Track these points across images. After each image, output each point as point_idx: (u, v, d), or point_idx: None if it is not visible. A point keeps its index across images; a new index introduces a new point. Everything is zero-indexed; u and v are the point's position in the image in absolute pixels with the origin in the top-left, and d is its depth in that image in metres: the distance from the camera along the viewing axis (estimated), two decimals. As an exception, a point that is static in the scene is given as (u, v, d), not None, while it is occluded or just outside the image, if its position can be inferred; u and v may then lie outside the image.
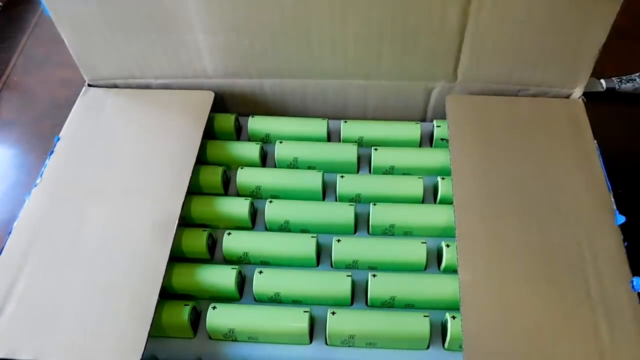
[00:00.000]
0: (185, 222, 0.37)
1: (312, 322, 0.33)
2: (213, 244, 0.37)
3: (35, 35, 0.59)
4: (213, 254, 0.36)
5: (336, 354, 0.32)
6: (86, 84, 0.42)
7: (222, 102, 0.43)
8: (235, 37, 0.39)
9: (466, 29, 0.40)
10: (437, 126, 0.41)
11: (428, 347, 0.33)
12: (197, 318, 0.34)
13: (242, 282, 0.35)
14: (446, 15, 0.37)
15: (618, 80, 0.53)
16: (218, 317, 0.32)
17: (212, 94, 0.40)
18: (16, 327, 0.30)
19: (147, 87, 0.42)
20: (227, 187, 0.39)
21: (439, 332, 0.33)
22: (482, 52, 0.40)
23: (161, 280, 0.31)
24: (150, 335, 0.32)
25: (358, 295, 0.35)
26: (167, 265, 0.32)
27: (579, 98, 0.42)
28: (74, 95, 0.41)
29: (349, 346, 0.33)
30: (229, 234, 0.35)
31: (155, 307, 0.30)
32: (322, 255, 0.36)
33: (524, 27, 0.40)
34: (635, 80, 0.52)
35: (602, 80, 0.53)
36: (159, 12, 0.37)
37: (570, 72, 0.41)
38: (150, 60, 0.40)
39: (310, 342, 0.33)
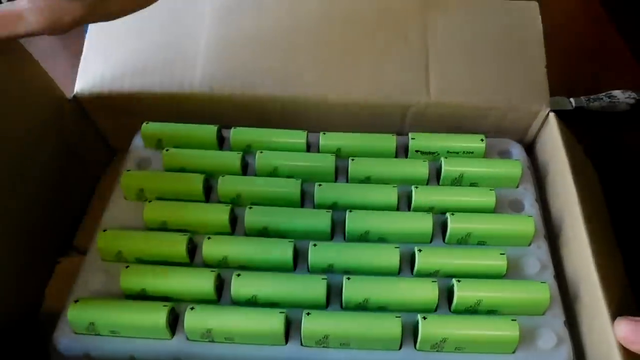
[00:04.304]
0: (166, 227, 0.38)
1: (288, 323, 0.34)
2: (193, 248, 0.38)
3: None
4: (193, 259, 0.37)
5: (311, 354, 0.33)
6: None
7: (204, 114, 0.45)
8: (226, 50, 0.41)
9: (428, 51, 0.43)
10: (412, 138, 0.43)
11: (400, 348, 0.34)
12: (175, 319, 0.34)
13: (221, 285, 0.36)
14: (410, 38, 0.40)
15: (586, 99, 0.55)
16: (196, 317, 0.33)
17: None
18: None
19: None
20: (209, 195, 0.41)
21: (411, 333, 0.34)
22: (447, 73, 0.44)
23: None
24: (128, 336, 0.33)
25: (333, 300, 0.36)
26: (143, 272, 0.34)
27: (546, 114, 0.44)
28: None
29: (323, 347, 0.34)
30: (208, 238, 0.36)
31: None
32: (299, 260, 0.37)
33: (472, 50, 0.43)
34: (602, 99, 0.55)
35: (572, 99, 0.55)
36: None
37: (530, 89, 0.44)
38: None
39: (286, 343, 0.34)
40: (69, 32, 0.32)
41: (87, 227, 0.44)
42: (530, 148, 0.47)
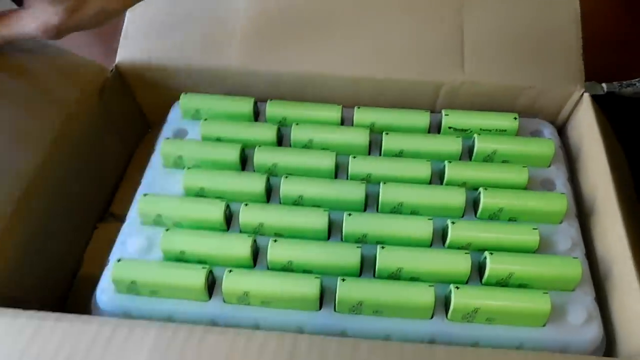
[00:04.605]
0: (204, 194, 0.39)
1: (322, 290, 0.35)
2: (229, 216, 0.38)
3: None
4: (229, 226, 0.38)
5: (344, 320, 0.34)
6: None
7: (240, 89, 0.45)
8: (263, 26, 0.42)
9: (464, 30, 0.43)
10: (446, 115, 0.43)
11: (432, 317, 0.34)
12: (212, 284, 0.35)
13: (257, 253, 0.37)
14: (446, 17, 0.40)
15: (618, 85, 0.55)
16: (234, 279, 0.34)
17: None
18: None
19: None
20: (245, 165, 0.41)
21: (442, 304, 0.35)
22: (482, 53, 0.43)
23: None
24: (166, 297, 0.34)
25: (366, 270, 0.36)
26: (182, 235, 0.35)
27: (581, 95, 0.44)
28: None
29: (356, 314, 0.34)
30: (245, 205, 0.37)
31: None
32: (332, 232, 0.38)
33: (508, 30, 0.43)
34: (635, 85, 0.55)
35: (604, 84, 0.55)
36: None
37: (565, 69, 0.43)
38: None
39: (320, 308, 0.34)
40: (61, 37, 0.36)
41: (124, 194, 0.45)
42: (561, 130, 0.47)
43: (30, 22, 0.35)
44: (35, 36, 0.35)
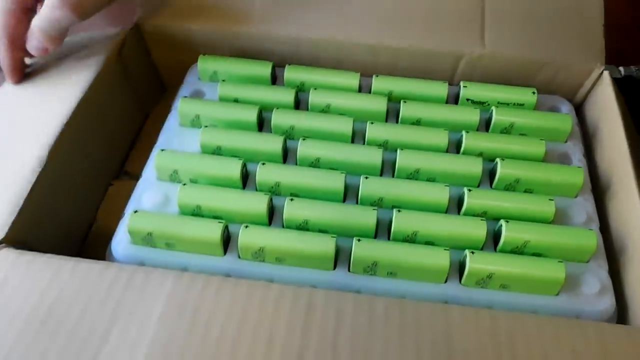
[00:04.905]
0: (220, 153, 0.39)
1: (338, 249, 0.35)
2: (246, 175, 0.38)
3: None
4: (245, 185, 0.38)
5: (358, 281, 0.34)
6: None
7: (258, 54, 0.45)
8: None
9: (485, 1, 0.43)
10: (464, 86, 0.43)
11: (446, 281, 0.34)
12: (227, 240, 0.35)
13: (272, 212, 0.37)
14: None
15: (636, 68, 0.55)
16: (250, 235, 0.34)
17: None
18: None
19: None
20: (262, 126, 0.41)
21: (456, 270, 0.35)
22: (503, 26, 0.43)
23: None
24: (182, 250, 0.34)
25: (381, 234, 0.36)
26: (200, 189, 0.35)
27: (600, 73, 0.44)
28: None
29: (370, 275, 0.34)
30: (263, 164, 0.37)
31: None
32: (348, 195, 0.38)
33: (529, 4, 0.43)
34: (652, 69, 0.54)
35: (621, 68, 0.55)
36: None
37: (586, 47, 0.43)
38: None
39: (334, 268, 0.35)
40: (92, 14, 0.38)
41: (138, 154, 0.45)
42: (579, 109, 0.47)
43: (68, 13, 0.37)
44: (76, 22, 0.38)
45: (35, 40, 0.37)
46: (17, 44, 0.38)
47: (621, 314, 0.35)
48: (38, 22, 0.37)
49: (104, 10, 0.39)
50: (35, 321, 0.27)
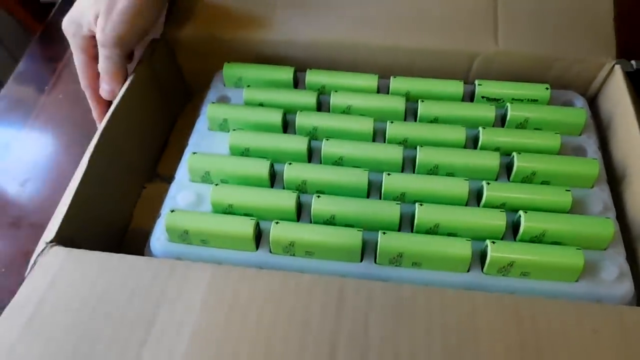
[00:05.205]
0: (249, 154, 0.41)
1: (364, 242, 0.36)
2: (273, 174, 0.40)
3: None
4: (273, 184, 0.40)
5: (384, 272, 0.36)
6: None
7: (280, 59, 0.47)
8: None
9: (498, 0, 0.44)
10: (479, 84, 0.45)
11: (468, 270, 0.36)
12: (258, 236, 0.37)
13: (300, 209, 0.39)
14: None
15: (648, 62, 0.56)
16: (281, 230, 0.36)
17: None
18: None
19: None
20: (286, 128, 0.43)
21: (478, 260, 0.37)
22: (515, 23, 0.45)
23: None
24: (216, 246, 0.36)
25: (404, 228, 0.38)
26: (231, 189, 0.37)
27: (612, 66, 0.45)
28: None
29: (396, 266, 0.36)
30: (289, 164, 0.39)
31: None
32: (371, 191, 0.40)
33: (541, 1, 0.45)
34: (664, 63, 0.55)
35: (633, 62, 0.56)
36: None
37: (597, 41, 0.45)
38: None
39: (361, 260, 0.36)
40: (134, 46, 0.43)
41: (169, 157, 0.47)
42: (592, 103, 0.48)
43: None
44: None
45: (104, 84, 0.41)
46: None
47: (640, 298, 0.37)
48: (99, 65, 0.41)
49: None
50: (87, 308, 0.29)
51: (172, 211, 0.36)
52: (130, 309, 0.29)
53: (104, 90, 0.42)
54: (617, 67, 0.45)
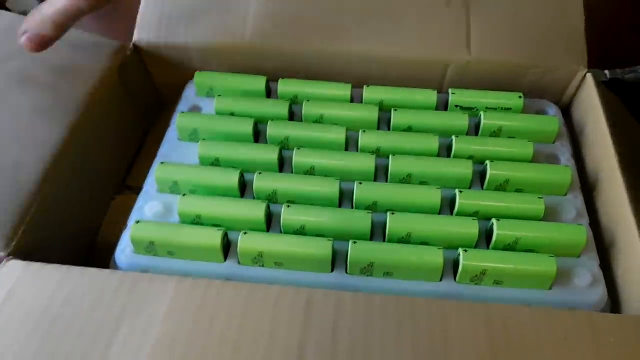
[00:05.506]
0: (219, 164, 0.40)
1: (334, 252, 0.36)
2: (243, 184, 0.39)
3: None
4: (243, 194, 0.39)
5: (355, 282, 0.35)
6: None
7: (252, 68, 0.47)
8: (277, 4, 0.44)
9: (470, 9, 0.44)
10: (452, 93, 0.44)
11: (441, 279, 0.35)
12: (227, 246, 0.36)
13: (270, 218, 0.38)
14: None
15: (621, 71, 0.56)
16: (249, 240, 0.35)
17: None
18: None
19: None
20: (258, 137, 0.43)
21: (451, 268, 0.36)
22: (488, 32, 0.45)
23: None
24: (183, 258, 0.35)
25: (376, 237, 0.37)
26: (199, 199, 0.36)
27: (584, 75, 0.46)
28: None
29: (367, 275, 0.35)
30: (259, 173, 0.38)
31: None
32: (343, 201, 0.39)
33: (513, 6, 0.45)
34: (637, 71, 0.56)
35: (606, 71, 0.56)
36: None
37: (569, 50, 0.45)
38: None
39: (332, 270, 0.36)
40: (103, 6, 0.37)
41: (139, 169, 0.46)
42: (565, 112, 0.48)
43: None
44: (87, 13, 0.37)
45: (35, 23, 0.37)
46: None
47: (614, 305, 0.36)
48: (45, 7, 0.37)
49: (106, 21, 0.40)
50: (44, 323, 0.28)
51: (138, 222, 0.36)
52: (89, 325, 0.28)
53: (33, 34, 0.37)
54: (589, 76, 0.45)
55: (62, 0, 0.36)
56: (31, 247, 0.33)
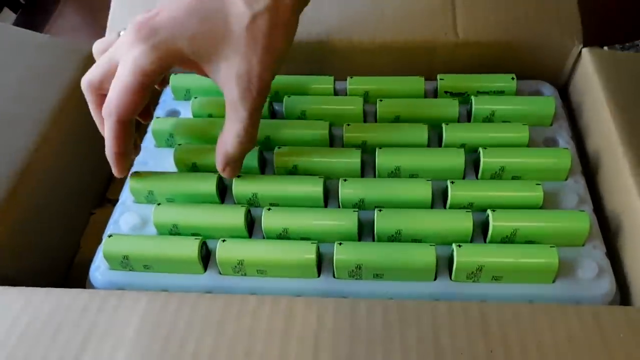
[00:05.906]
0: (197, 170, 0.38)
1: (320, 255, 0.34)
2: (223, 189, 0.37)
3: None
4: (223, 200, 0.37)
5: (344, 286, 0.33)
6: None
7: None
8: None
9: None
10: (441, 79, 0.42)
11: (435, 279, 0.33)
12: (207, 256, 0.34)
13: (252, 224, 0.36)
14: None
15: (620, 47, 0.53)
16: (228, 248, 0.33)
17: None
18: None
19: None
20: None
21: (446, 266, 0.34)
22: (474, 12, 0.42)
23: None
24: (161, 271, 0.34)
25: (365, 236, 0.35)
26: (174, 207, 0.34)
27: (579, 51, 0.43)
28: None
29: (356, 278, 0.33)
30: (238, 176, 0.36)
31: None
32: (329, 200, 0.37)
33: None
34: (638, 46, 0.53)
35: (605, 47, 0.54)
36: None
37: (561, 26, 0.42)
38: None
39: (318, 275, 0.33)
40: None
41: (120, 180, 0.44)
42: (563, 92, 0.45)
43: None
44: None
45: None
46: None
47: (624, 296, 0.34)
48: None
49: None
50: (7, 347, 0.26)
51: (110, 236, 0.34)
52: (55, 347, 0.26)
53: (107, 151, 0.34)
54: (585, 51, 0.42)
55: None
56: (4, 269, 0.31)
